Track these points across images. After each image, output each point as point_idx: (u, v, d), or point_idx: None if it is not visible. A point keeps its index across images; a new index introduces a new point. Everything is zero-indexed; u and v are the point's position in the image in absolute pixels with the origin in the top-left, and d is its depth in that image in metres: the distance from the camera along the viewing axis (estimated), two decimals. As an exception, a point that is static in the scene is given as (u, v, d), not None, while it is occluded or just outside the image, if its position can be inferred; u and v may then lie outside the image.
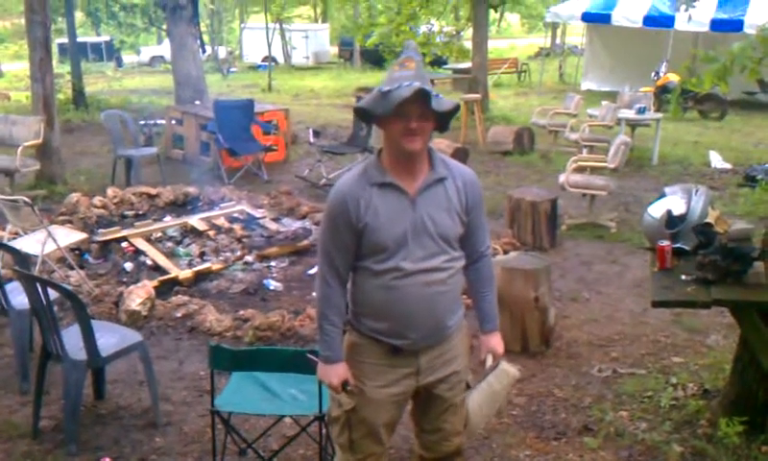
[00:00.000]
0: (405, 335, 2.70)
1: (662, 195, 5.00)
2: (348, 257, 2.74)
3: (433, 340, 2.76)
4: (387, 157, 2.69)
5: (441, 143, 11.15)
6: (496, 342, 2.96)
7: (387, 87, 2.58)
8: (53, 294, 4.10)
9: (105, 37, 32.45)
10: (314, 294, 6.05)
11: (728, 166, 11.04)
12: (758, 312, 3.89)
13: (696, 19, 16.11)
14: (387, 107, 2.56)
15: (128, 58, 33.73)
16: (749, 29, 14.29)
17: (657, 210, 4.78)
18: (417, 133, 2.59)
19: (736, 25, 15.45)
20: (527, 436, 4.14)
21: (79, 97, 16.88)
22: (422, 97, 2.54)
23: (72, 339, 4.06)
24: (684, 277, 4.02)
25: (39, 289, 3.96)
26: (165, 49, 27.51)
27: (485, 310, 2.97)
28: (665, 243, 4.22)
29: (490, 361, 2.94)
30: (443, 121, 2.69)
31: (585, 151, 10.29)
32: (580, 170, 8.46)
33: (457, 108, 2.69)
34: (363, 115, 2.71)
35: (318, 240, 2.95)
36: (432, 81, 2.77)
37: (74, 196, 8.22)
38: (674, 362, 5.04)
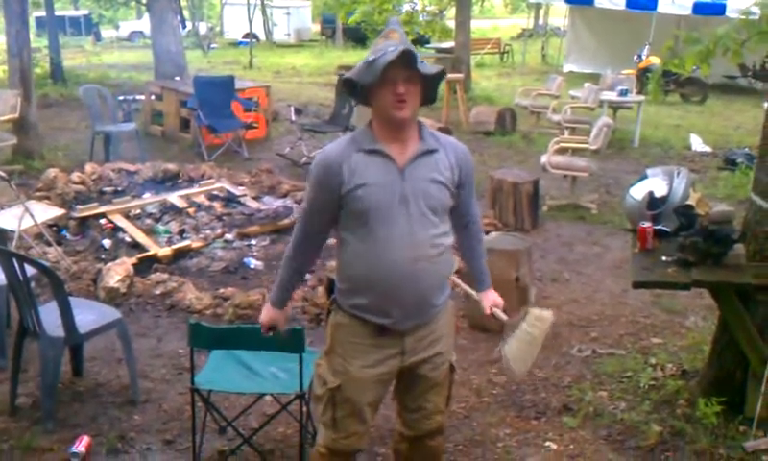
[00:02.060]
0: (388, 312, 2.66)
1: (644, 177, 5.02)
2: (325, 223, 2.74)
3: (418, 318, 2.72)
4: (376, 127, 2.67)
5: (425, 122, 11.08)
6: (494, 296, 2.99)
7: (372, 57, 2.57)
8: (30, 270, 4.05)
9: (83, 11, 32.01)
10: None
11: (708, 149, 11.11)
12: (738, 294, 3.93)
13: (679, 2, 16.18)
14: (374, 73, 2.54)
15: (106, 32, 33.32)
16: (731, 13, 14.32)
17: (638, 192, 4.80)
18: (404, 98, 2.56)
19: (718, 8, 15.48)
20: (507, 415, 4.16)
21: (57, 71, 16.65)
22: (408, 59, 2.53)
23: (50, 316, 4.00)
24: (664, 258, 4.04)
25: (16, 265, 3.90)
26: (144, 24, 27.16)
27: (478, 269, 3.01)
28: (647, 224, 4.24)
29: (499, 314, 2.93)
30: (429, 89, 2.68)
31: (566, 132, 10.28)
32: (562, 151, 8.46)
33: (443, 72, 2.68)
34: (351, 87, 2.69)
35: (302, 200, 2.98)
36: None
37: (51, 171, 8.11)
38: (653, 343, 5.07)
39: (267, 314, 2.94)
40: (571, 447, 3.87)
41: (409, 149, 2.65)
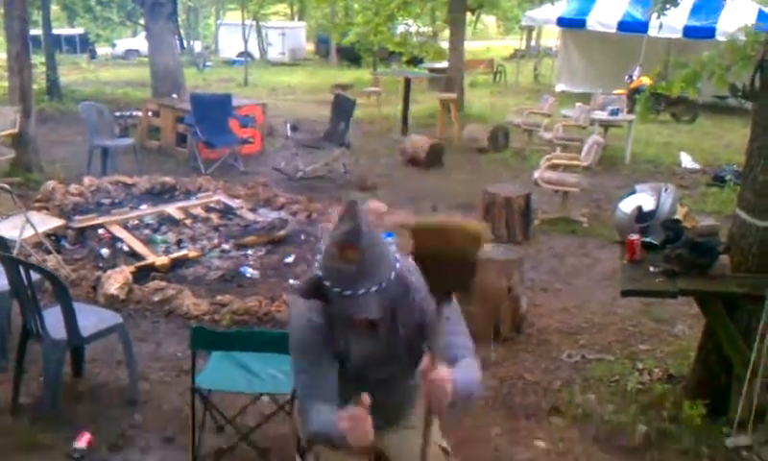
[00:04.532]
0: None
1: (633, 192, 5.18)
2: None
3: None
4: None
5: (418, 140, 11.25)
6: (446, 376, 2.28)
7: (327, 284, 2.21)
8: (34, 276, 4.15)
9: (79, 30, 32.16)
10: (290, 281, 6.18)
11: (697, 166, 11.28)
12: (723, 302, 4.06)
13: (669, 25, 16.42)
14: (335, 311, 2.29)
15: (102, 49, 33.46)
16: (721, 36, 14.55)
17: (627, 206, 4.95)
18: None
19: (708, 32, 15.73)
20: (497, 416, 4.27)
21: (53, 87, 16.79)
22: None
23: (52, 319, 4.10)
24: (652, 268, 4.18)
25: (22, 271, 4.00)
26: (140, 42, 27.39)
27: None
28: (635, 237, 4.37)
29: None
30: None
31: (558, 149, 10.45)
32: (553, 167, 8.61)
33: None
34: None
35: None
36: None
37: (50, 183, 8.23)
38: (641, 349, 5.19)
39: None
40: (560, 445, 3.99)
41: None
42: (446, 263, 2.14)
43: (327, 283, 2.19)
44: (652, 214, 4.78)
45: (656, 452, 3.92)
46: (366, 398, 2.17)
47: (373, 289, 2.17)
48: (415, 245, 2.18)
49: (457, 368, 2.31)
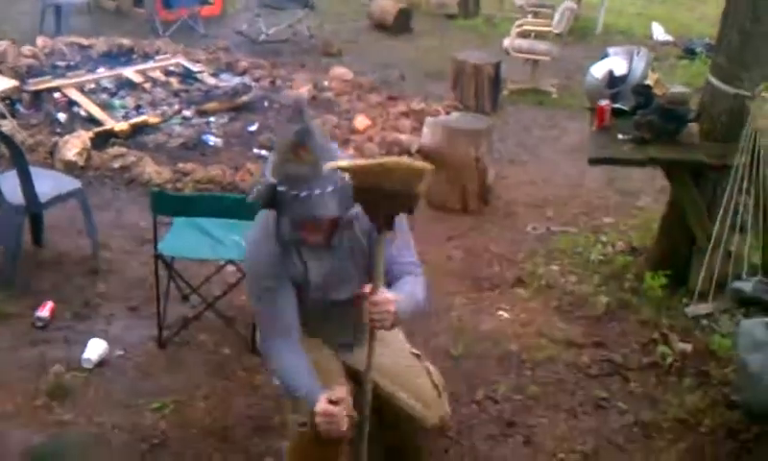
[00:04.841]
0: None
1: (605, 55, 5.08)
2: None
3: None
4: None
5: (386, 4, 10.88)
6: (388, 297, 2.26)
7: (282, 188, 2.15)
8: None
9: None
10: (254, 150, 6.03)
11: (669, 38, 11.12)
12: (689, 172, 4.06)
13: None
14: (291, 215, 2.21)
15: None
16: None
17: (599, 70, 4.87)
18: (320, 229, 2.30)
19: None
20: (463, 286, 4.32)
21: (0, -60, 15.82)
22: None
23: (9, 184, 3.99)
24: (620, 136, 4.15)
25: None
26: None
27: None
28: (605, 102, 4.31)
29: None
30: None
31: (530, 16, 10.18)
32: (524, 35, 8.42)
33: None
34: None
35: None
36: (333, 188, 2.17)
37: (1, 44, 7.83)
38: (605, 222, 5.23)
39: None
40: (523, 315, 4.06)
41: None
42: (387, 196, 2.12)
43: (283, 188, 2.13)
44: (623, 79, 4.71)
45: (616, 322, 4.02)
46: (342, 391, 2.21)
47: (330, 188, 2.14)
48: (355, 183, 2.14)
49: (399, 285, 2.31)
